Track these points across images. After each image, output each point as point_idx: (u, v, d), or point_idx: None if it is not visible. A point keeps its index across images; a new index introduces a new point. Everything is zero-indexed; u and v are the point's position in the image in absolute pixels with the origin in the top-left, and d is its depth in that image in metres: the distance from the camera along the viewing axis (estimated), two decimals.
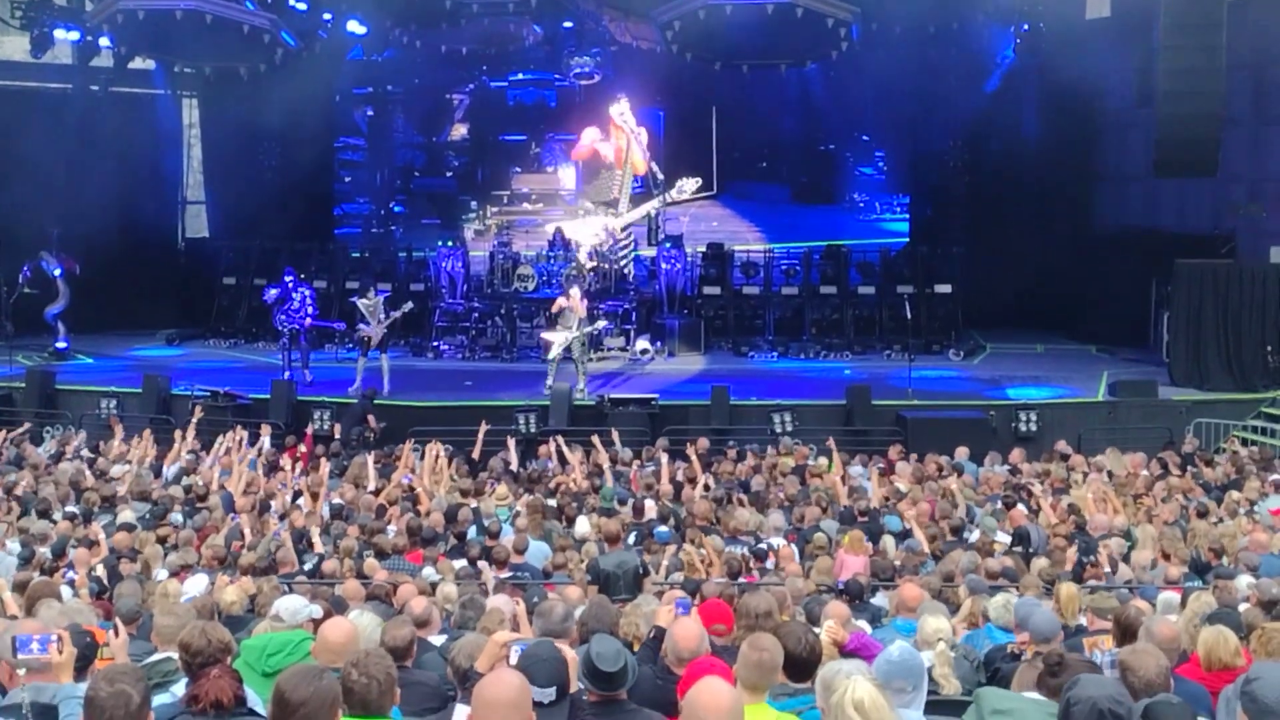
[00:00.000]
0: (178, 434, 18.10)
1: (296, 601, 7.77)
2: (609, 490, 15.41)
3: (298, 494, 15.63)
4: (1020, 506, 14.42)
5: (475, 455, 17.50)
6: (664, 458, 17.00)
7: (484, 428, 18.15)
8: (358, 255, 29.34)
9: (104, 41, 25.51)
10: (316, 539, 13.03)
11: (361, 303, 22.56)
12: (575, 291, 22.57)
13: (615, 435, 18.38)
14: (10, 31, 26.14)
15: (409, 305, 23.18)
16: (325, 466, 16.93)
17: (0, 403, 21.82)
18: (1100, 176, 25.49)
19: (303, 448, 18.93)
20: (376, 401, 20.82)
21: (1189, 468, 17.24)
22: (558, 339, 22.03)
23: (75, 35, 25.66)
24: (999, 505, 14.70)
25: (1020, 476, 16.63)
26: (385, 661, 5.54)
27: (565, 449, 17.62)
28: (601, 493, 15.32)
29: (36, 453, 17.96)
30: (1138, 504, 14.85)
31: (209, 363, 25.36)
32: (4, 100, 26.65)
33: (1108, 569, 11.76)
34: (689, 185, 26.38)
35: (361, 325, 22.51)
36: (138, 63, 27.09)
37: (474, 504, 14.53)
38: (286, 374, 22.64)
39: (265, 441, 17.94)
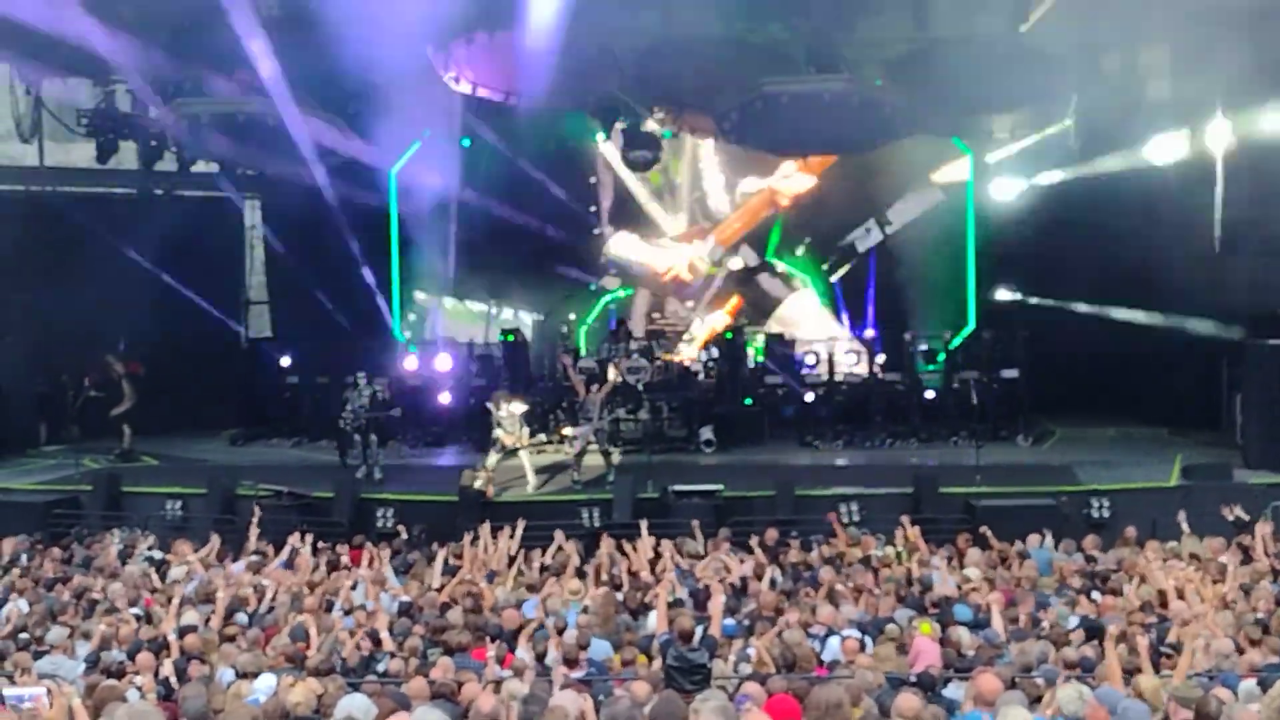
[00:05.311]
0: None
1: (364, 701, 7.68)
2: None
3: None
4: (1098, 595, 14.11)
5: (548, 560, 17.00)
6: (724, 549, 16.85)
7: (561, 537, 17.77)
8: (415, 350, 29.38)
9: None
10: (385, 637, 12.91)
11: (503, 408, 22.17)
12: (591, 383, 22.79)
13: (696, 527, 18.10)
14: (77, 139, 26.69)
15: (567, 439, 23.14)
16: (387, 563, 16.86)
17: (67, 506, 21.89)
18: (1165, 254, 25.12)
19: (370, 547, 18.77)
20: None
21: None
22: (580, 433, 22.05)
23: (139, 142, 26.15)
24: (1074, 594, 14.41)
25: (1095, 564, 16.30)
26: None
27: (626, 544, 17.35)
28: None
29: (110, 553, 17.98)
30: (1217, 589, 14.47)
31: (273, 461, 25.45)
32: (71, 206, 27.14)
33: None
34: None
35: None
36: (201, 166, 27.55)
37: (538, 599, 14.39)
38: (361, 471, 22.70)
39: (305, 549, 17.46)
